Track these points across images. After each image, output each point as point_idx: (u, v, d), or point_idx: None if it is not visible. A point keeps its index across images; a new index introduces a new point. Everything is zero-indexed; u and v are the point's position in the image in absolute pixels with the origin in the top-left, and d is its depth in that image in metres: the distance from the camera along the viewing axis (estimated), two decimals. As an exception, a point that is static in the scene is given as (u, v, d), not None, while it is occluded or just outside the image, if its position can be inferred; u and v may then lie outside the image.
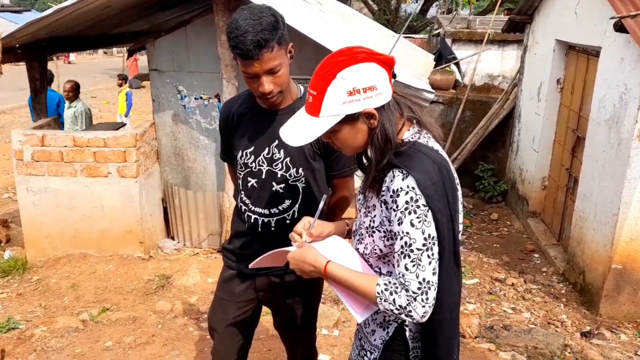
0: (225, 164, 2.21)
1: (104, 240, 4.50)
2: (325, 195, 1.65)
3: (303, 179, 1.88)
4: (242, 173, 1.92)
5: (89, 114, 6.34)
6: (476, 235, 5.50)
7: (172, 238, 4.96)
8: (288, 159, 1.85)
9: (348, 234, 1.70)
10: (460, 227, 1.44)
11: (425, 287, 1.29)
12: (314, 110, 1.34)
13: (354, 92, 1.30)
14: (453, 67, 7.54)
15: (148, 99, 8.72)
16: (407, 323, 1.47)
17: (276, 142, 1.83)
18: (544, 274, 4.55)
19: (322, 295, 3.67)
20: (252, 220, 1.93)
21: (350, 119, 1.34)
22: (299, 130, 1.38)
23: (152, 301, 3.90)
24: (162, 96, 4.59)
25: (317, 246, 1.50)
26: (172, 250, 4.73)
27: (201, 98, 4.51)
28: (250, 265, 1.72)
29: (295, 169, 1.86)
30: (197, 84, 4.47)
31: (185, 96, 4.53)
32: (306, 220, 1.61)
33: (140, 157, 4.38)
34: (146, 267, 4.42)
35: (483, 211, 6.22)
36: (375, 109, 1.33)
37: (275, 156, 1.86)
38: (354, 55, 1.30)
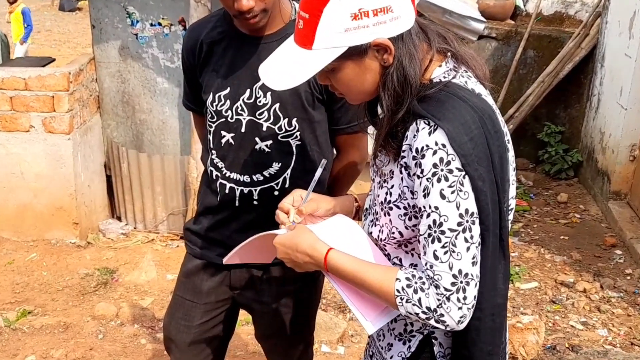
0: (191, 114, 2.24)
1: (24, 219, 4.52)
2: (325, 160, 1.67)
3: (297, 134, 1.89)
4: (214, 125, 1.94)
5: (4, 43, 6.29)
6: (537, 224, 5.47)
7: (119, 218, 4.96)
8: (277, 105, 1.87)
9: (357, 215, 1.72)
10: (512, 204, 1.45)
11: (462, 282, 1.31)
12: (306, 40, 1.35)
13: (360, 16, 1.30)
14: (512, -13, 7.44)
15: (86, 25, 8.52)
16: (435, 334, 1.48)
17: (261, 81, 1.81)
18: (628, 278, 4.52)
19: (323, 299, 3.83)
20: (226, 191, 1.95)
21: (355, 53, 1.34)
22: (286, 68, 1.40)
23: (90, 303, 3.90)
24: (105, 21, 4.56)
25: (315, 229, 1.51)
26: (118, 235, 4.74)
27: (159, 24, 4.47)
28: (224, 261, 1.74)
29: (287, 120, 1.88)
30: (154, 3, 4.44)
31: (137, 21, 4.49)
32: (297, 193, 1.64)
33: (74, 105, 4.36)
34: (82, 257, 4.42)
35: (547, 190, 6.18)
36: (389, 39, 1.33)
37: (260, 101, 1.87)
38: None
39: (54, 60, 6.27)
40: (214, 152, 1.96)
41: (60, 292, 4.03)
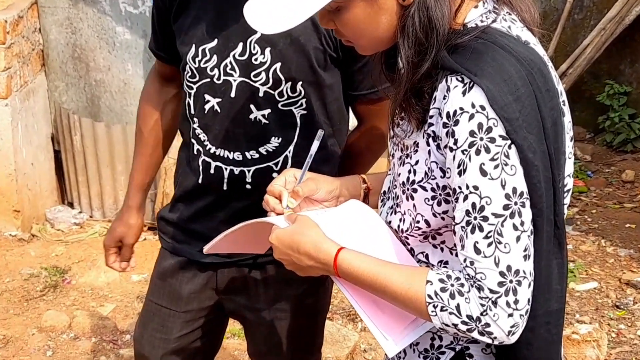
0: (155, 62, 2.23)
1: (-49, 206, 4.49)
2: (322, 132, 1.68)
3: (303, 101, 1.90)
4: (195, 86, 1.94)
5: None
6: (596, 209, 5.46)
7: (70, 205, 5.00)
8: (278, 65, 1.86)
9: (366, 200, 1.73)
10: (569, 183, 1.46)
11: (512, 282, 1.30)
12: None
13: None
14: None
15: None
16: (470, 350, 1.49)
17: (258, 34, 1.83)
18: None
19: (330, 306, 3.79)
20: (211, 171, 1.96)
21: None
22: (279, 4, 1.39)
23: (36, 311, 3.90)
24: (50, -47, 4.58)
25: (321, 221, 1.51)
26: (71, 226, 4.76)
27: (119, -41, 4.46)
28: (205, 249, 1.75)
29: (290, 84, 1.88)
30: None
31: (91, -46, 4.50)
32: (290, 173, 1.65)
33: (13, 62, 4.36)
34: (26, 253, 4.42)
35: (609, 166, 6.17)
36: None
37: (256, 59, 1.87)
38: None
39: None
40: (195, 120, 1.97)
41: None
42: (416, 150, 1.44)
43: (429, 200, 1.42)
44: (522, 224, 1.30)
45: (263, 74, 1.87)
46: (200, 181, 1.99)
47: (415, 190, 1.44)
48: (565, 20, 6.56)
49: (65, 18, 4.65)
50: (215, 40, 1.89)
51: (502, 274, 1.29)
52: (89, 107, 4.77)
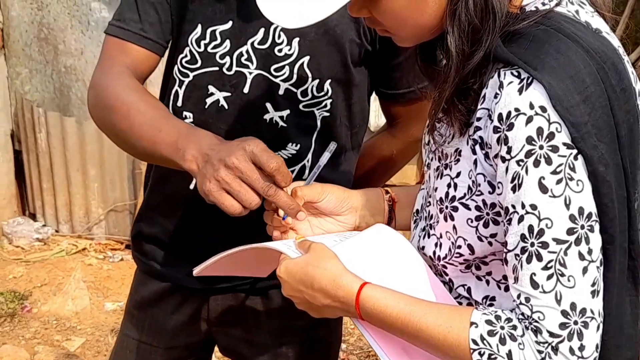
0: (120, 45, 2.01)
1: None
2: (334, 144, 1.72)
3: (328, 102, 1.93)
4: (192, 74, 1.94)
5: None
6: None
7: (32, 216, 5.06)
8: (307, 58, 1.89)
9: (391, 217, 1.77)
10: None
11: (577, 323, 1.29)
12: None
13: None
14: None
15: None
16: None
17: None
18: None
19: (343, 343, 3.88)
20: None
21: None
22: None
23: (-10, 344, 3.90)
24: None
25: (340, 250, 1.51)
26: (33, 242, 4.82)
27: None
28: (195, 271, 1.75)
29: (317, 82, 1.91)
30: None
31: None
32: (294, 185, 1.68)
33: (-35, 42, 4.45)
34: (-21, 274, 4.49)
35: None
36: None
37: (281, 50, 1.89)
38: None
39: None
40: (188, 115, 1.96)
41: None
42: (458, 160, 1.45)
43: (472, 222, 1.43)
44: (589, 252, 1.29)
45: (287, 68, 1.89)
46: (191, 187, 1.95)
47: (455, 209, 1.45)
48: (635, 1, 6.63)
49: None
50: (230, 22, 1.89)
51: (564, 313, 1.29)
52: (57, 98, 4.82)
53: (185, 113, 1.95)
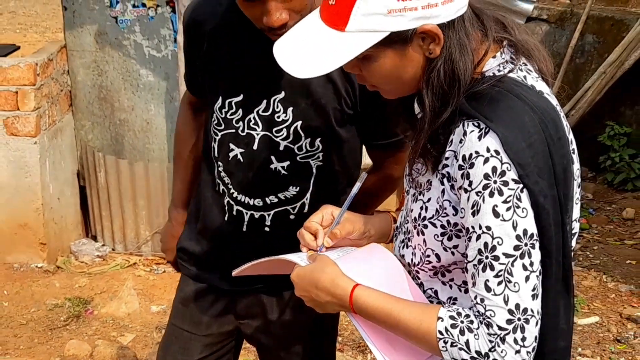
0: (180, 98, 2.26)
1: (-20, 239, 4.55)
2: (365, 174, 1.69)
3: (320, 154, 1.93)
4: (220, 134, 1.96)
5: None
6: (597, 245, 5.38)
7: (94, 238, 5.01)
8: (299, 123, 1.88)
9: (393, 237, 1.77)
10: (575, 227, 1.46)
11: (520, 320, 1.30)
12: (338, 19, 1.34)
13: None
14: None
15: (56, 6, 8.65)
16: None
17: (282, 93, 1.87)
18: None
19: (339, 336, 3.78)
20: (233, 213, 1.99)
21: (397, 41, 1.34)
22: (309, 51, 1.40)
23: (59, 340, 3.87)
24: (79, 1, 4.55)
25: (341, 261, 1.52)
26: (94, 258, 4.75)
27: (143, 5, 4.46)
28: (234, 273, 1.76)
29: (309, 140, 1.90)
30: (137, -20, 4.54)
31: (117, 1, 4.48)
32: (327, 210, 1.65)
33: (42, 102, 4.35)
34: (51, 284, 4.39)
35: (610, 204, 6.15)
36: (439, 26, 1.33)
37: (279, 117, 1.89)
38: None
39: (18, 48, 6.37)
40: (220, 164, 1.99)
41: (24, 327, 4.00)
42: (429, 189, 1.45)
43: (438, 236, 1.43)
44: (531, 264, 1.31)
45: (284, 130, 1.90)
46: (224, 220, 2.02)
47: (425, 226, 1.45)
48: (567, 64, 6.66)
49: (92, 61, 4.68)
50: (241, 95, 1.91)
51: (510, 312, 1.30)
52: (113, 145, 4.80)
53: (218, 162, 1.99)
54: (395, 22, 1.32)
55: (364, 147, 2.11)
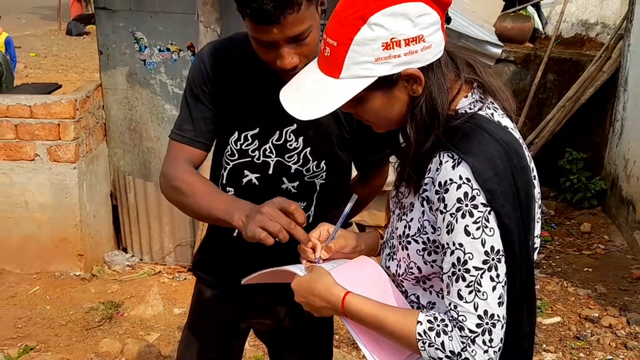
0: (175, 146, 1.93)
1: (27, 251, 4.51)
2: (355, 196, 1.66)
3: (324, 174, 1.91)
4: (232, 163, 1.91)
5: (5, 67, 6.34)
6: (559, 255, 5.44)
7: (125, 250, 4.99)
8: (308, 149, 1.87)
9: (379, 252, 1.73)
10: (537, 242, 1.44)
11: (488, 324, 1.30)
12: (333, 68, 1.34)
13: (392, 45, 1.29)
14: (531, 10, 7.50)
15: (93, 49, 8.62)
16: None
17: (294, 125, 1.84)
18: (657, 312, 4.50)
19: (336, 334, 3.77)
20: None
21: (384, 84, 1.34)
22: (310, 96, 1.39)
23: (94, 339, 3.88)
24: (112, 46, 4.61)
25: (334, 272, 1.50)
26: (124, 268, 4.76)
27: (168, 50, 4.54)
28: (243, 281, 1.74)
29: (315, 163, 1.89)
30: (163, 29, 4.51)
31: (145, 47, 4.57)
32: (324, 227, 1.63)
33: (80, 133, 4.38)
34: (87, 290, 4.42)
35: (570, 220, 6.18)
36: (420, 69, 1.33)
37: (291, 145, 1.87)
38: None
39: (60, 86, 6.33)
40: (230, 190, 1.94)
41: (64, 327, 4.01)
42: (411, 210, 1.44)
43: (420, 251, 1.42)
44: (497, 276, 1.30)
45: (295, 156, 1.87)
46: (235, 234, 1.93)
47: (409, 242, 1.44)
48: (531, 99, 6.63)
49: (124, 97, 4.72)
50: (257, 128, 1.86)
51: (480, 317, 1.29)
52: (142, 169, 4.81)
53: (228, 188, 1.93)
54: (381, 68, 1.31)
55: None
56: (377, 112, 1.40)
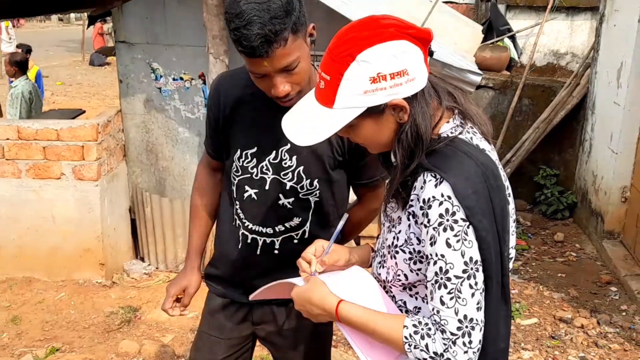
0: (204, 156, 2.19)
1: (54, 260, 4.51)
2: (347, 215, 1.68)
3: (317, 192, 1.91)
4: (237, 179, 1.94)
5: (35, 95, 6.36)
6: (535, 262, 5.44)
7: (142, 259, 5.00)
8: (301, 168, 1.87)
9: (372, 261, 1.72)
10: (512, 253, 1.45)
11: (467, 327, 1.30)
12: (327, 99, 1.36)
13: (378, 79, 1.31)
14: (507, 41, 7.53)
15: (114, 78, 8.66)
16: None
17: (288, 145, 1.85)
18: (624, 314, 4.48)
19: (334, 335, 3.69)
20: (248, 241, 1.96)
21: (373, 112, 1.35)
22: (307, 124, 1.40)
23: (114, 340, 3.88)
24: (131, 76, 4.66)
25: (329, 281, 1.51)
26: (142, 275, 4.76)
27: (181, 79, 4.58)
28: (251, 297, 1.76)
29: (309, 181, 1.89)
30: (177, 60, 4.55)
31: (160, 76, 4.60)
32: (319, 244, 1.63)
33: (102, 154, 4.41)
34: (108, 296, 4.42)
35: (544, 230, 6.17)
36: (405, 99, 1.34)
37: (286, 163, 1.88)
38: (380, 31, 1.31)
39: (84, 112, 6.37)
40: (237, 203, 1.95)
41: (87, 330, 4.01)
42: (400, 223, 1.44)
43: (407, 260, 1.42)
44: (476, 284, 1.31)
45: (290, 174, 1.87)
46: (239, 247, 1.97)
47: (397, 252, 1.44)
48: (508, 121, 6.61)
49: (141, 122, 4.76)
50: (256, 148, 1.89)
51: (460, 321, 1.30)
52: (157, 186, 4.83)
53: (236, 202, 1.95)
54: (370, 99, 1.32)
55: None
56: (368, 137, 1.41)
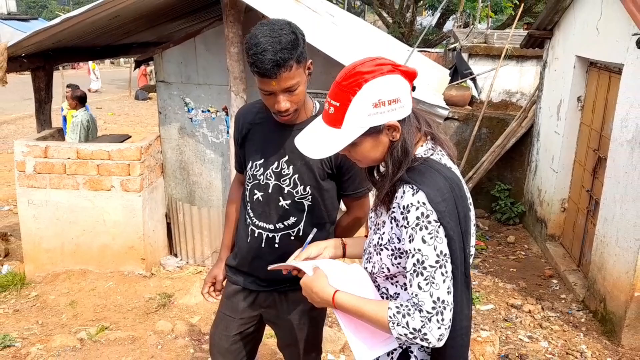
0: (235, 174, 2.21)
1: (104, 256, 4.51)
2: (315, 230, 1.73)
3: (310, 197, 1.90)
4: (250, 185, 1.95)
5: (91, 123, 6.39)
6: (492, 259, 5.42)
7: (175, 255, 4.96)
8: (296, 175, 1.87)
9: (343, 251, 1.72)
10: (472, 251, 1.44)
11: (440, 307, 1.29)
12: (336, 121, 1.36)
13: (379, 104, 1.32)
14: (469, 82, 7.55)
15: (154, 110, 8.67)
16: (412, 348, 1.47)
17: (286, 157, 1.86)
18: (563, 301, 4.49)
19: (329, 317, 3.74)
20: (255, 235, 1.95)
21: (373, 132, 1.35)
22: (319, 141, 1.39)
23: (152, 321, 3.88)
24: (168, 108, 4.66)
25: (330, 274, 1.49)
26: (175, 268, 4.73)
27: (208, 111, 4.57)
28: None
29: (302, 187, 1.88)
30: (205, 96, 4.53)
31: (192, 109, 4.59)
32: (312, 249, 1.67)
33: (144, 170, 4.42)
34: (147, 285, 4.42)
35: (499, 233, 6.14)
36: (398, 121, 1.35)
37: (284, 171, 1.88)
38: (380, 67, 1.33)
39: (130, 137, 6.36)
40: (249, 204, 1.95)
41: (130, 312, 4.03)
42: (384, 225, 1.44)
43: (389, 257, 1.42)
44: (446, 272, 1.31)
45: (287, 180, 1.88)
46: (248, 241, 1.97)
47: (382, 250, 1.44)
48: (470, 146, 6.62)
49: (176, 145, 4.74)
50: (262, 159, 1.90)
51: (434, 302, 1.30)
52: (189, 197, 4.80)
53: (247, 203, 1.95)
54: (372, 121, 1.33)
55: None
56: (365, 153, 1.40)
